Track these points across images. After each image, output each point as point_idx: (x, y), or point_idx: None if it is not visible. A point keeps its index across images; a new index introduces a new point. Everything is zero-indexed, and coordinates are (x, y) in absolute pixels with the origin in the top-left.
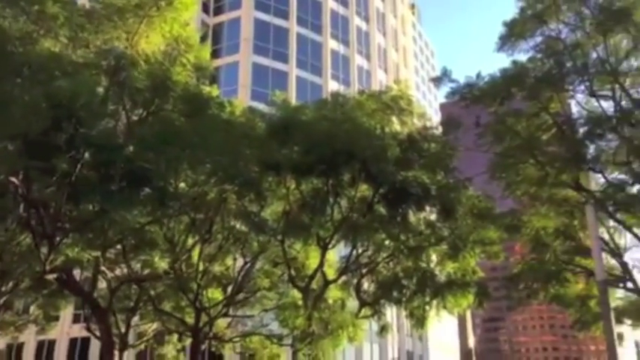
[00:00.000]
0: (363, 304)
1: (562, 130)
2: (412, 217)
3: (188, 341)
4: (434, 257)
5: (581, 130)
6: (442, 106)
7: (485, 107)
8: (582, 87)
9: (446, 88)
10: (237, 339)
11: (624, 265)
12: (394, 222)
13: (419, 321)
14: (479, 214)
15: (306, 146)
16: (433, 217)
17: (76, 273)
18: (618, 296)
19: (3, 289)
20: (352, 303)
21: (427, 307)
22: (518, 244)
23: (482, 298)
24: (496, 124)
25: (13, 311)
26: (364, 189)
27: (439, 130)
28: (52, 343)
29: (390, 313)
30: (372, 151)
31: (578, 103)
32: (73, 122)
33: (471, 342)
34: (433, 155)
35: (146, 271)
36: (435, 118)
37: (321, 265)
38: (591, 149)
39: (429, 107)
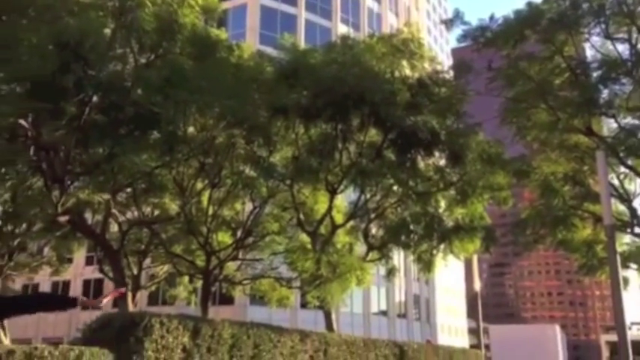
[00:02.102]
0: (370, 248)
1: (575, 74)
2: (421, 163)
3: (199, 283)
4: (442, 203)
5: (595, 75)
6: (454, 51)
7: (498, 51)
8: (598, 29)
9: (458, 31)
10: (247, 281)
11: (633, 211)
12: (403, 167)
13: (426, 265)
14: (488, 160)
15: (315, 90)
16: (442, 162)
17: (88, 216)
18: (625, 241)
19: (17, 230)
20: (360, 247)
21: (434, 252)
22: (527, 190)
23: (489, 243)
24: (508, 67)
25: (28, 253)
26: (373, 134)
27: (450, 75)
28: (66, 284)
29: (398, 257)
30: (382, 96)
31: (593, 46)
32: (81, 64)
33: (477, 286)
34: (443, 100)
35: (156, 214)
36: (446, 63)
37: (329, 209)
38: (604, 94)
39: (441, 52)
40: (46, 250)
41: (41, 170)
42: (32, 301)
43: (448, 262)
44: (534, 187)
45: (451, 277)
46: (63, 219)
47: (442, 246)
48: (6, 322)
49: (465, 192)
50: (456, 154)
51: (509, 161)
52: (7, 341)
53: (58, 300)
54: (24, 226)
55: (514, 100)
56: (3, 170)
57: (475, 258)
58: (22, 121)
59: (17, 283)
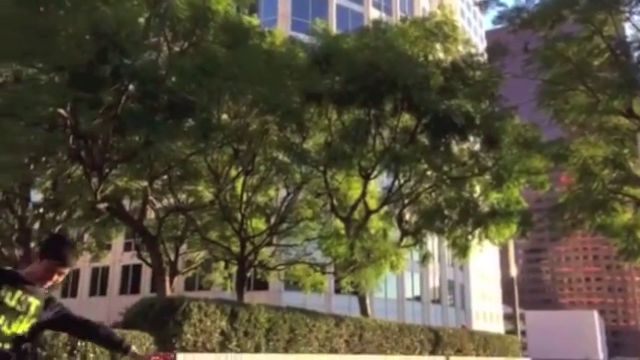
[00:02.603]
0: (404, 233)
1: (615, 55)
2: (455, 147)
3: (234, 269)
4: (477, 187)
5: (636, 55)
6: (488, 34)
7: (534, 32)
8: (639, 8)
9: (493, 13)
10: (282, 267)
11: None
12: (437, 152)
13: (461, 250)
14: (525, 144)
15: (348, 76)
16: (477, 146)
17: (126, 203)
18: None
19: (57, 217)
20: (394, 233)
21: (469, 237)
22: (565, 174)
23: (526, 227)
24: (545, 49)
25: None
26: (407, 119)
27: (484, 58)
28: (105, 270)
29: (432, 242)
30: (415, 80)
31: (634, 25)
32: (117, 53)
33: (513, 272)
34: (478, 83)
35: (191, 201)
36: (480, 46)
37: (363, 195)
38: None
39: (474, 35)
40: (86, 236)
41: (80, 158)
42: (93, 331)
43: (483, 248)
44: (572, 170)
45: (486, 263)
46: (102, 206)
47: (477, 231)
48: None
49: (501, 176)
50: (491, 138)
51: (546, 145)
52: None
53: (115, 343)
54: (64, 213)
55: (551, 82)
56: (44, 159)
57: (511, 243)
58: (61, 111)
59: None
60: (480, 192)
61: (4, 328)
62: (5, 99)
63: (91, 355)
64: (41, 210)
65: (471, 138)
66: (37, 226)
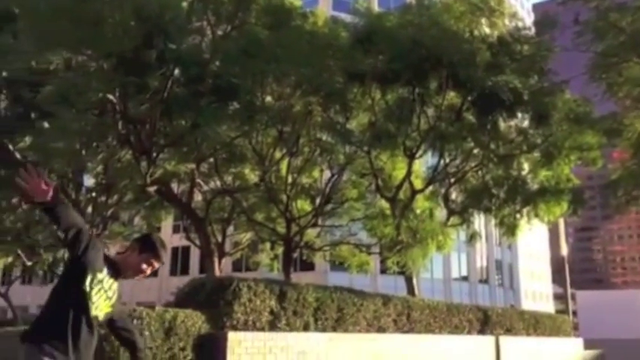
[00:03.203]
0: (451, 213)
1: None
2: (502, 124)
3: (280, 250)
4: (525, 165)
5: None
6: (535, 7)
7: (585, 3)
8: None
9: None
10: (327, 248)
11: None
12: (483, 130)
13: (509, 229)
14: (576, 119)
15: (391, 54)
16: (525, 123)
17: (174, 186)
18: None
19: (109, 201)
20: (440, 212)
21: (518, 216)
22: (618, 149)
23: (577, 205)
24: (597, 20)
25: (120, 222)
26: (452, 96)
27: (532, 31)
28: None
29: (478, 222)
30: (461, 56)
31: None
32: (162, 38)
33: (564, 251)
34: (526, 58)
35: (237, 183)
36: (527, 19)
37: (408, 175)
38: None
39: (521, 8)
40: (137, 219)
41: (129, 143)
42: (129, 338)
43: (532, 227)
44: (626, 146)
45: (535, 242)
46: (151, 189)
47: (526, 210)
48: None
49: (551, 153)
50: (540, 114)
51: (598, 120)
52: None
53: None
54: (116, 196)
55: (604, 54)
56: (95, 144)
57: (561, 222)
58: (110, 96)
59: (112, 251)
60: (528, 170)
61: (99, 309)
62: (57, 86)
63: (147, 333)
64: (94, 194)
65: (519, 114)
66: (90, 209)
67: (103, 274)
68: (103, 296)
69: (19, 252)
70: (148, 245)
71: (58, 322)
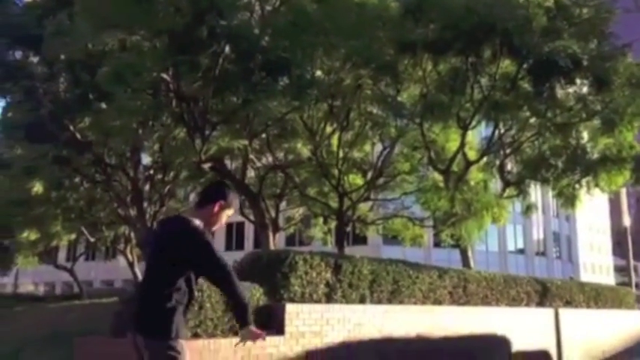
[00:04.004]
0: (507, 184)
1: None
2: (560, 92)
3: (333, 224)
4: (584, 133)
5: None
6: None
7: None
8: None
9: None
10: (380, 221)
11: None
12: (540, 98)
13: (568, 200)
14: (638, 84)
15: (443, 23)
16: (584, 90)
17: (227, 163)
18: None
19: (166, 179)
20: (495, 184)
21: (577, 186)
22: None
23: None
24: None
25: (176, 199)
26: (507, 64)
27: None
28: None
29: (535, 193)
30: (515, 23)
31: None
32: (214, 14)
33: (626, 222)
34: (585, 21)
35: (290, 158)
36: None
37: (461, 146)
38: None
39: None
40: (192, 196)
41: (183, 121)
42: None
43: (592, 197)
44: None
45: (594, 213)
46: (206, 166)
47: (586, 179)
48: None
49: (612, 120)
50: (600, 80)
51: None
52: None
53: (241, 313)
54: (172, 174)
55: None
56: (150, 123)
57: (623, 191)
58: (164, 75)
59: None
60: (588, 138)
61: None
62: (113, 67)
63: (207, 305)
64: (151, 172)
65: (578, 81)
66: (147, 187)
67: None
68: None
69: (83, 229)
70: (220, 195)
71: (172, 311)
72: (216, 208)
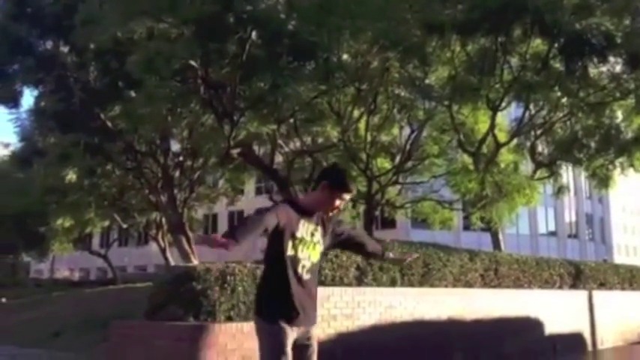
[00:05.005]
0: (538, 165)
1: None
2: (593, 71)
3: (362, 208)
4: (618, 113)
5: None
6: None
7: None
8: None
9: None
10: (409, 205)
11: None
12: (572, 77)
13: (602, 181)
14: None
15: (471, 3)
16: (618, 68)
17: (255, 149)
18: None
19: (195, 165)
20: (525, 166)
21: (611, 167)
22: None
23: None
24: None
25: (206, 185)
26: (537, 44)
27: None
28: (240, 213)
29: (567, 175)
30: (547, 0)
31: None
32: (240, 0)
33: None
34: None
35: (318, 143)
36: None
37: (491, 128)
38: None
39: None
40: (221, 182)
41: (212, 107)
42: (363, 248)
43: (627, 178)
44: None
45: (628, 194)
46: (235, 152)
47: (620, 160)
48: (194, 247)
49: None
50: (635, 57)
51: None
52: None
53: (377, 255)
54: (201, 160)
55: None
56: (179, 110)
57: None
58: (192, 62)
59: (199, 214)
60: (622, 117)
61: (308, 260)
62: (142, 55)
63: (240, 288)
64: (180, 158)
65: (611, 59)
66: (177, 174)
67: (300, 232)
68: (310, 247)
69: (115, 216)
70: (336, 180)
71: (276, 293)
72: (321, 190)
